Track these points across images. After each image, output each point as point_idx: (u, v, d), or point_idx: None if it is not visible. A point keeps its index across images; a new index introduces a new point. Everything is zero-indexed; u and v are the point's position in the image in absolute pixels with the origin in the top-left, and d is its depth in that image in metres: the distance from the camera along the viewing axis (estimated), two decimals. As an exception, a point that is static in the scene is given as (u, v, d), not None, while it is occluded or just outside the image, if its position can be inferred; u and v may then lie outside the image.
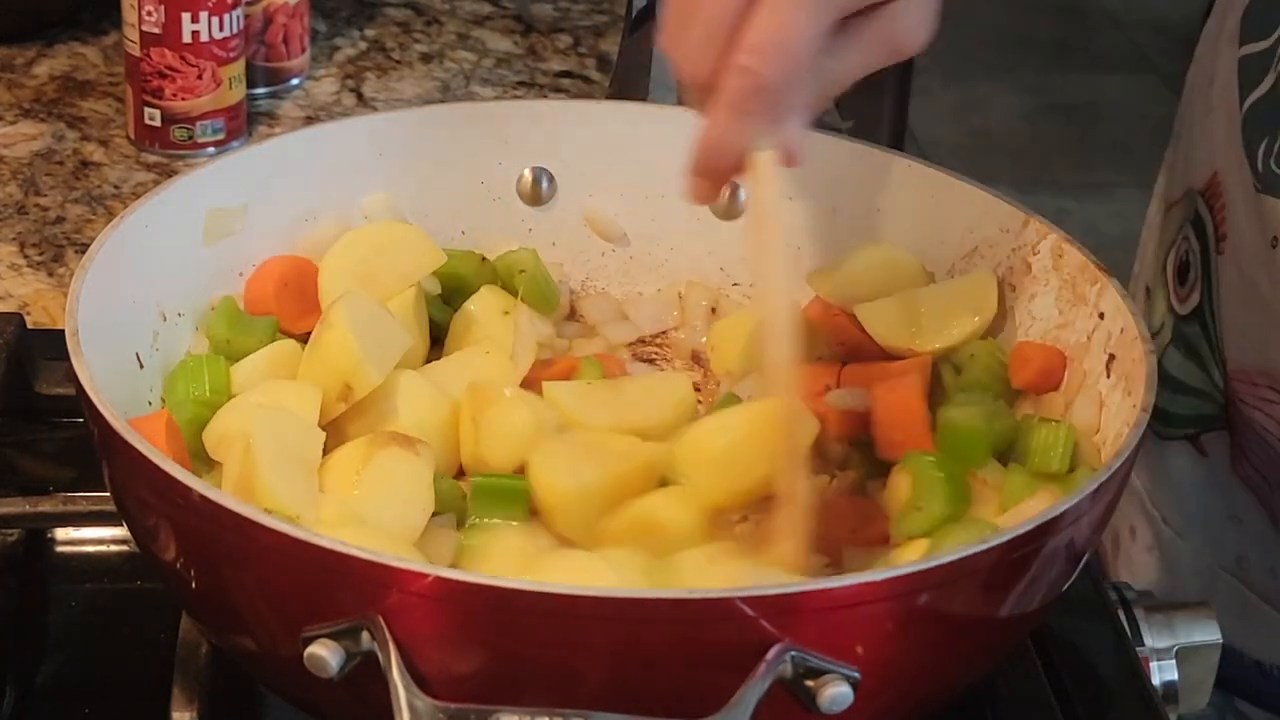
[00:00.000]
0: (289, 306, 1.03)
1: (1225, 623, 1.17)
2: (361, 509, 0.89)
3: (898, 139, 2.75)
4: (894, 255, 1.07)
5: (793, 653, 0.76)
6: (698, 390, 1.06)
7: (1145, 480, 1.26)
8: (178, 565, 0.85)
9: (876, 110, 2.64)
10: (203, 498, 0.79)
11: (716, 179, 0.89)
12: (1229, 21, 1.19)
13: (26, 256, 1.26)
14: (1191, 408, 1.20)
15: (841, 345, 1.04)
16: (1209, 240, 1.18)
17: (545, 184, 1.11)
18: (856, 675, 0.76)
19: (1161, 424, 1.23)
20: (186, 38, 1.32)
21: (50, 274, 1.24)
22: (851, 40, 0.86)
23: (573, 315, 1.11)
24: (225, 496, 0.79)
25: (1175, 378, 1.21)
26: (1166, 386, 1.21)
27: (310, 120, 1.43)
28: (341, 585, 0.77)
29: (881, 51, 0.87)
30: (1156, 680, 0.99)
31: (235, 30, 1.34)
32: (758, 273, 0.90)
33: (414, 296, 1.03)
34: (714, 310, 1.11)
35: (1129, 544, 1.28)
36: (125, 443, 0.82)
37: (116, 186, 1.34)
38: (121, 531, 0.95)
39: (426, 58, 1.53)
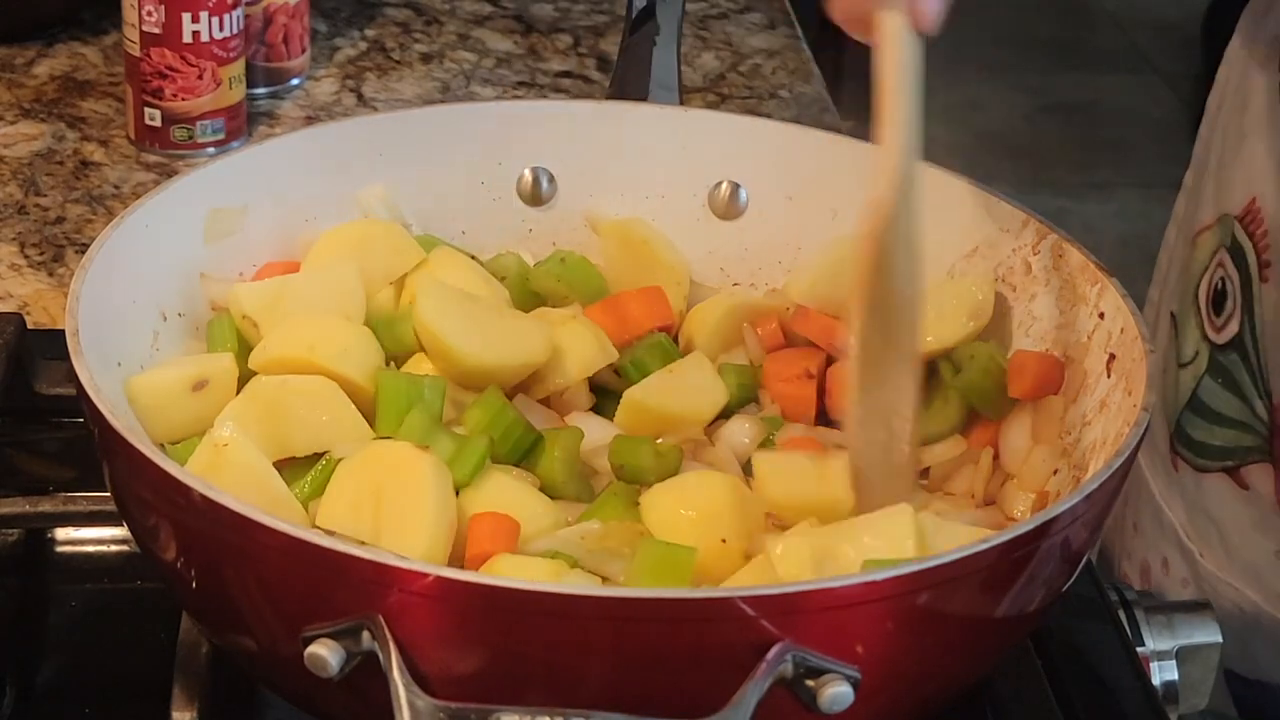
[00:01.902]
0: None
1: (1267, 660, 1.16)
2: None
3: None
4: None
5: (793, 652, 0.76)
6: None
7: (1181, 513, 1.24)
8: (178, 565, 0.85)
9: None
10: (203, 498, 0.79)
11: (857, 29, 0.92)
12: (1258, 45, 1.18)
13: (26, 256, 1.26)
14: (1230, 439, 1.18)
15: (831, 346, 1.04)
16: (1250, 268, 1.16)
17: (545, 184, 1.11)
18: (857, 675, 0.76)
19: (1198, 455, 1.21)
20: (187, 38, 1.32)
21: (50, 274, 1.24)
22: None
23: (573, 315, 1.11)
24: (225, 496, 0.79)
25: (1212, 408, 1.19)
26: (1203, 417, 1.20)
27: (310, 120, 1.43)
28: (341, 585, 0.77)
29: None
30: (1157, 680, 0.99)
31: (235, 30, 1.34)
32: (879, 142, 0.94)
33: (393, 295, 1.03)
34: (714, 310, 1.11)
35: (1161, 576, 1.26)
36: (125, 443, 0.82)
37: (116, 186, 1.34)
38: (121, 531, 0.95)
39: (426, 58, 1.53)
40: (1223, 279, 1.18)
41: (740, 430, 1.01)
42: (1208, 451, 1.20)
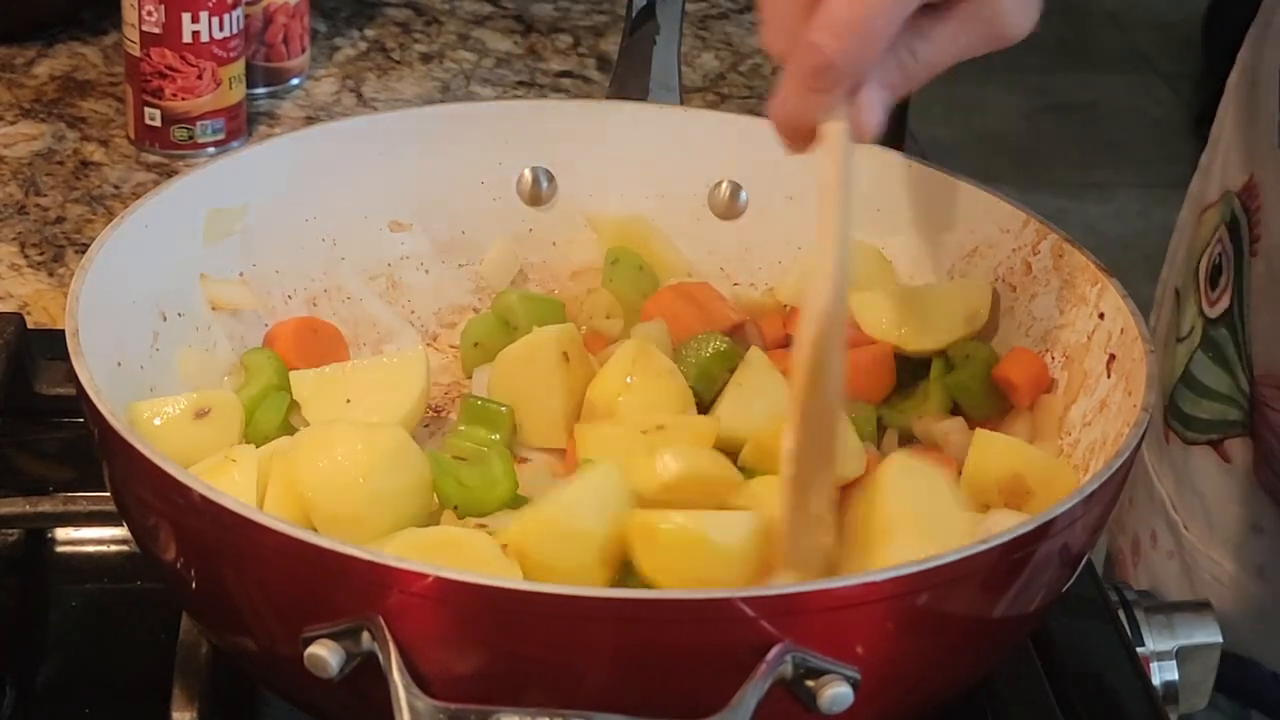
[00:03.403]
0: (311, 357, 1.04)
1: (1245, 634, 1.17)
2: None
3: (898, 139, 2.74)
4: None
5: (793, 653, 0.76)
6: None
7: (1170, 486, 1.25)
8: (178, 565, 0.85)
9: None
10: (203, 498, 0.79)
11: (796, 141, 0.88)
12: (1274, 25, 1.19)
13: (26, 256, 1.26)
14: (1215, 413, 1.19)
15: None
16: (1243, 243, 1.17)
17: (545, 184, 1.11)
18: (857, 675, 0.76)
19: (1187, 428, 1.22)
20: (186, 38, 1.32)
21: (50, 274, 1.24)
22: (946, 22, 0.85)
23: (572, 316, 1.11)
24: (225, 497, 0.79)
25: (1201, 382, 1.20)
26: (1192, 390, 1.21)
27: (310, 120, 1.43)
28: (341, 585, 0.77)
29: (979, 36, 0.86)
30: (1157, 681, 0.99)
31: (235, 30, 1.34)
32: (818, 248, 0.88)
33: None
34: (714, 310, 1.11)
35: (1149, 550, 1.27)
36: (125, 443, 0.82)
37: (116, 186, 1.34)
38: (121, 531, 0.95)
39: (426, 58, 1.53)
40: (1220, 254, 1.19)
41: None
42: (1195, 424, 1.21)
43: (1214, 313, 1.20)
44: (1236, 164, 1.20)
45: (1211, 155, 1.26)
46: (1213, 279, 1.20)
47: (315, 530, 0.89)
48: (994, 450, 0.96)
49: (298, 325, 1.05)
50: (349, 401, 0.99)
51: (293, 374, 1.01)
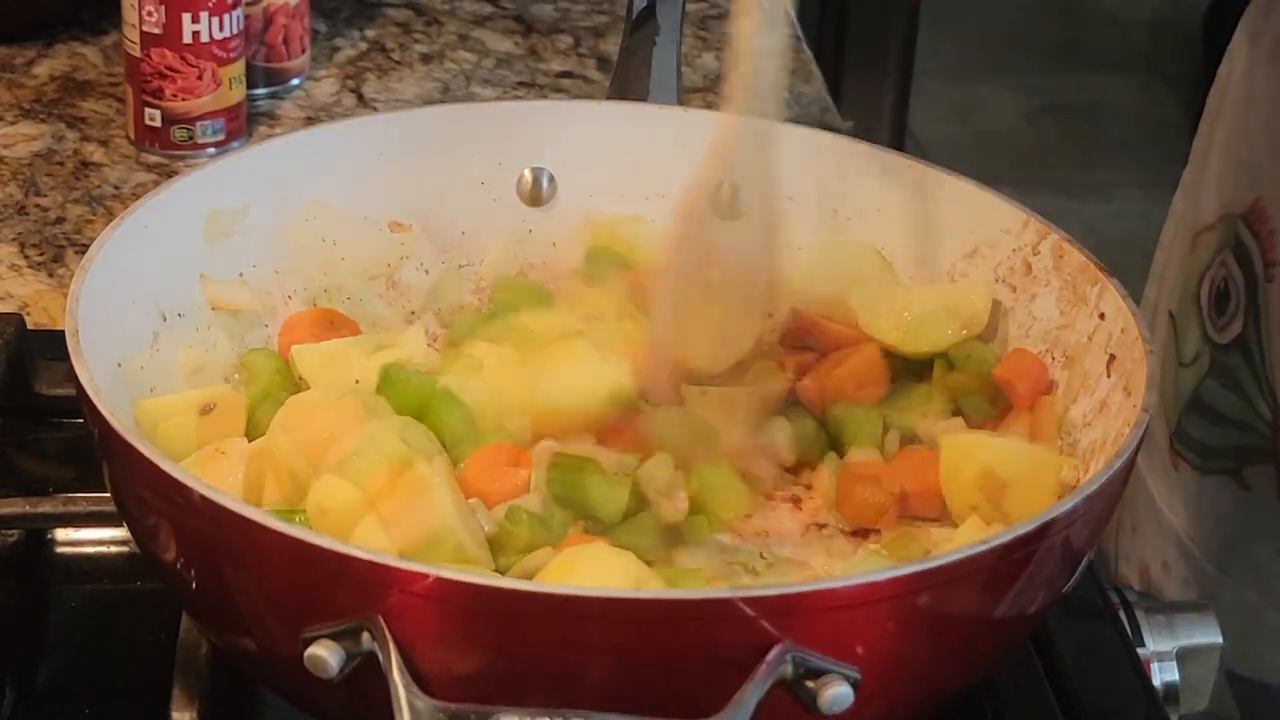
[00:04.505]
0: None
1: (1270, 660, 1.16)
2: None
3: (898, 139, 2.75)
4: (847, 244, 1.07)
5: (793, 653, 0.76)
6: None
7: (1182, 515, 1.23)
8: (178, 565, 0.85)
9: (876, 110, 2.64)
10: (203, 498, 0.79)
11: None
12: (1264, 43, 1.17)
13: (26, 257, 1.26)
14: (1232, 440, 1.18)
15: (819, 343, 1.05)
16: (1256, 267, 1.16)
17: (545, 184, 1.11)
18: (857, 675, 0.76)
19: (1199, 456, 1.21)
20: (187, 38, 1.32)
21: (50, 274, 1.24)
22: None
23: (573, 315, 1.11)
24: (225, 496, 0.79)
25: (1214, 409, 1.19)
26: (1205, 418, 1.19)
27: (310, 120, 1.43)
28: (341, 585, 0.77)
29: None
30: (1157, 681, 0.99)
31: (235, 30, 1.34)
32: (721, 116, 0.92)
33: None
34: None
35: (1161, 578, 1.26)
36: (125, 443, 0.82)
37: (116, 186, 1.34)
38: (121, 531, 0.95)
39: (426, 58, 1.53)
40: (1225, 279, 1.18)
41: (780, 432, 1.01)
42: (1209, 452, 1.20)
43: (1224, 339, 1.18)
44: (1234, 185, 1.18)
45: (1197, 174, 1.24)
46: (1219, 304, 1.19)
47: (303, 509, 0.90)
48: (960, 450, 0.96)
49: (315, 316, 1.05)
50: (357, 382, 0.99)
51: (295, 348, 1.01)
